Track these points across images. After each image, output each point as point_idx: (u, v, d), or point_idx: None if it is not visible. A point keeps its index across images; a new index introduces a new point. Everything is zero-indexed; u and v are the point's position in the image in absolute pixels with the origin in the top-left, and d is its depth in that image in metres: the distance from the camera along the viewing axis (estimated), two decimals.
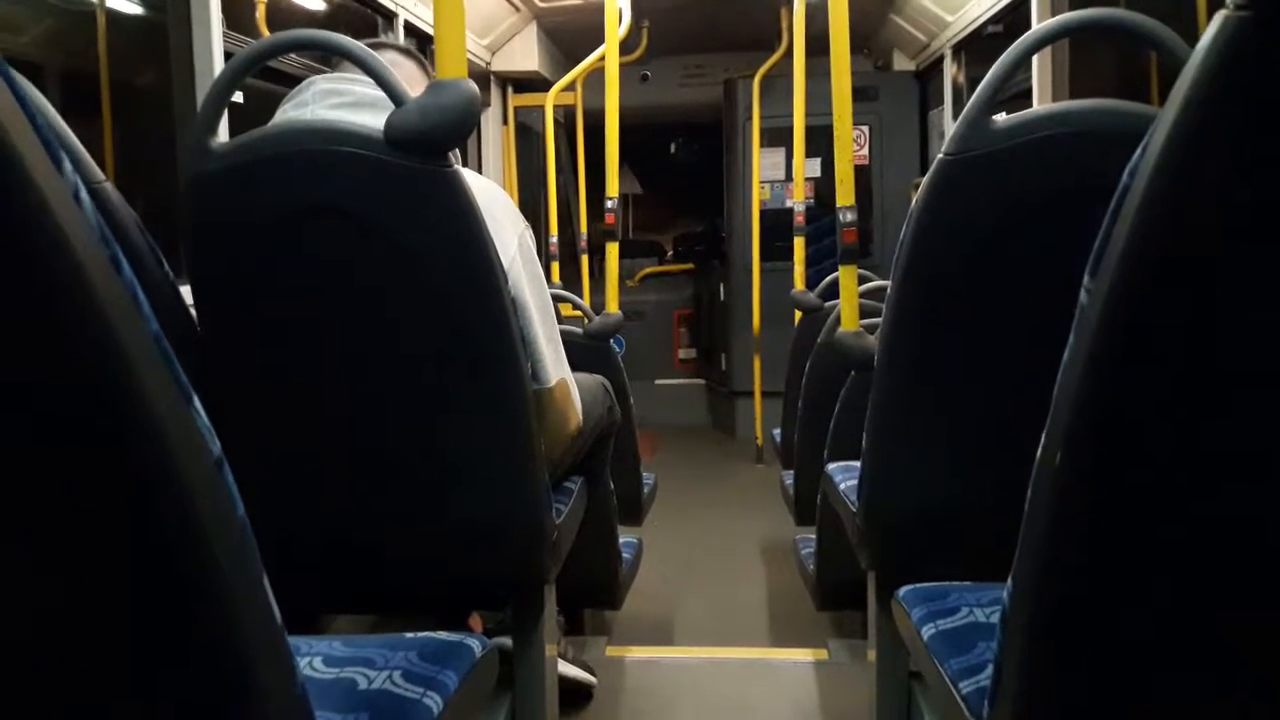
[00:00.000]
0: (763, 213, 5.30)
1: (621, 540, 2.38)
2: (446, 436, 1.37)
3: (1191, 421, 0.62)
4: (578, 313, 2.98)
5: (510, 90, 5.27)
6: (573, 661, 2.14)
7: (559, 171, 5.09)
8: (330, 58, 2.13)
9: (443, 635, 1.12)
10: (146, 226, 1.35)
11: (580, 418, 1.63)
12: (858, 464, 1.57)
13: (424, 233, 1.28)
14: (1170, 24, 1.22)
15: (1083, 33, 1.33)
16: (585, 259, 5.29)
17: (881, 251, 5.31)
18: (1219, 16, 0.52)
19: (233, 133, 1.40)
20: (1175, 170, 0.56)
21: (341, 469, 1.40)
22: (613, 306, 3.08)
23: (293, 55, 2.76)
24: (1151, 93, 2.63)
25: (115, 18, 2.37)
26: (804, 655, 2.42)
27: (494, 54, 5.00)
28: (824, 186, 5.35)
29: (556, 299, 2.11)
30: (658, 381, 6.49)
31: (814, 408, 2.58)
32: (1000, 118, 1.29)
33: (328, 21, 3.48)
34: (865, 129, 5.45)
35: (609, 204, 3.36)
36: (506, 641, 1.53)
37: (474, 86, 1.29)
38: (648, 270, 6.83)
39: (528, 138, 5.64)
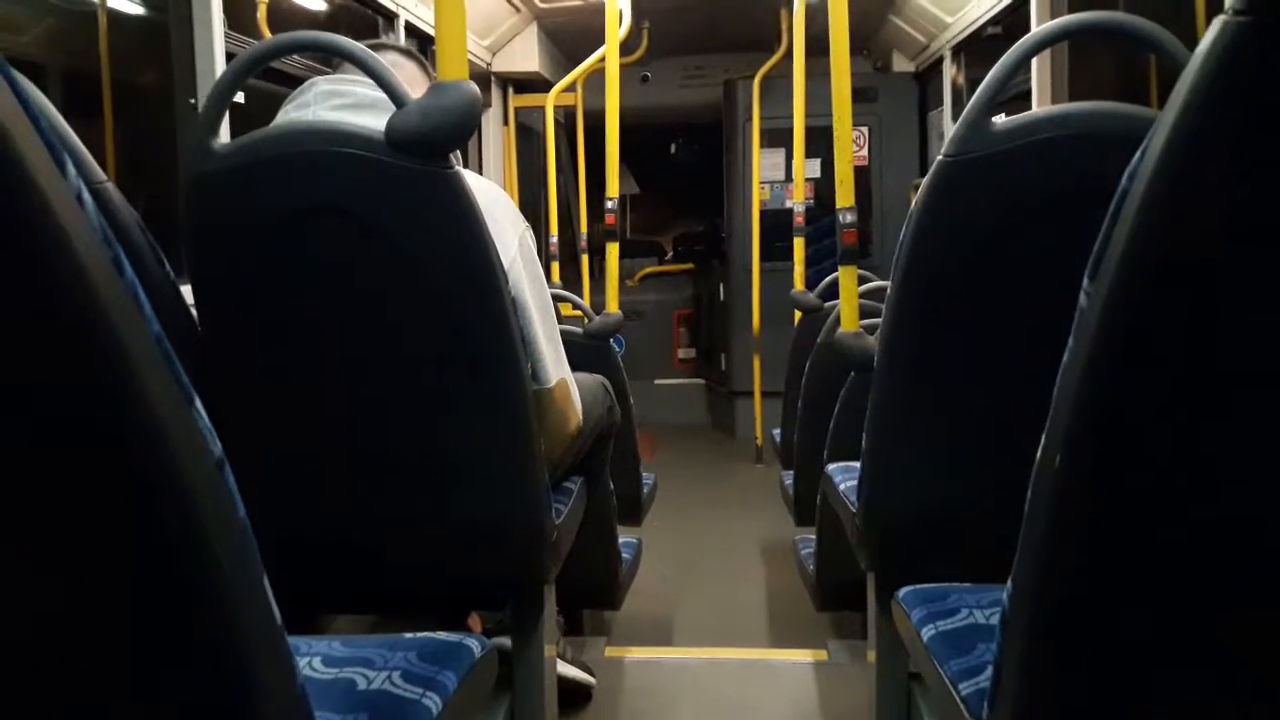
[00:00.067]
0: (762, 213, 5.31)
1: (621, 540, 2.38)
2: (446, 436, 1.37)
3: (1191, 423, 0.62)
4: (578, 313, 2.98)
5: (511, 91, 5.27)
6: (572, 662, 2.15)
7: (559, 172, 5.10)
8: (331, 59, 2.13)
9: (442, 635, 1.12)
10: (147, 226, 1.35)
11: (580, 418, 1.64)
12: (857, 464, 1.58)
13: (425, 234, 1.28)
14: (1169, 27, 1.23)
15: (1082, 35, 1.34)
16: (585, 259, 5.29)
17: (881, 252, 5.31)
18: (1218, 21, 0.52)
19: (234, 133, 1.40)
20: (1174, 173, 0.56)
21: (341, 469, 1.40)
22: (613, 306, 3.08)
23: (294, 56, 2.76)
24: (1151, 96, 2.63)
25: (117, 18, 2.37)
26: (804, 656, 2.42)
27: (495, 55, 5.00)
28: (824, 187, 5.36)
29: (556, 299, 2.11)
30: (657, 381, 6.49)
31: (814, 408, 2.58)
32: (1000, 120, 1.29)
33: (329, 22, 3.48)
34: (865, 130, 5.45)
35: (609, 204, 3.36)
36: (506, 642, 1.53)
37: (475, 88, 1.29)
38: (648, 270, 6.83)
39: (528, 138, 5.64)
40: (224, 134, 1.36)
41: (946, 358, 1.37)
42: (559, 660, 1.94)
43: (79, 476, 0.48)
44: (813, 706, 2.16)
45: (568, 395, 1.58)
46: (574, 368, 1.64)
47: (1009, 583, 0.77)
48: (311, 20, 3.35)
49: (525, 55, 5.06)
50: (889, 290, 1.40)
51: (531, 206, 5.54)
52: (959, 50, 4.44)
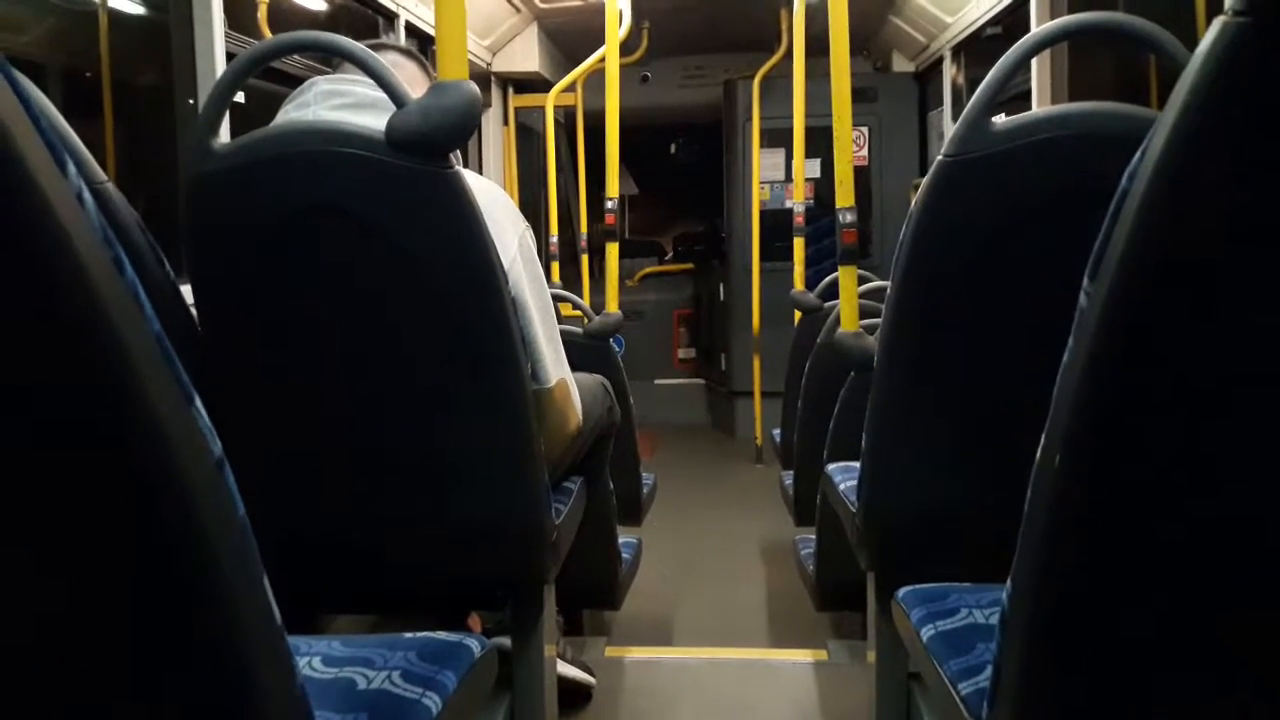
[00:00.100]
0: (762, 213, 5.31)
1: (621, 540, 2.38)
2: (446, 436, 1.37)
3: (1190, 422, 0.62)
4: (578, 313, 2.98)
5: (511, 91, 5.28)
6: (572, 662, 2.15)
7: (559, 172, 5.10)
8: (332, 59, 2.13)
9: (442, 635, 1.12)
10: (147, 226, 1.35)
11: (580, 418, 1.64)
12: (857, 464, 1.58)
13: (425, 233, 1.28)
14: (1169, 28, 1.23)
15: (1082, 36, 1.34)
16: (585, 259, 5.29)
17: (881, 252, 5.31)
18: (1218, 22, 0.52)
19: (234, 133, 1.40)
20: (1174, 173, 0.56)
21: (341, 469, 1.40)
22: (613, 306, 3.08)
23: (294, 56, 2.76)
24: (1150, 96, 2.63)
25: (117, 18, 2.37)
26: (803, 656, 2.42)
27: (495, 55, 5.00)
28: (823, 187, 5.35)
29: (556, 299, 2.11)
30: (657, 381, 6.49)
31: (814, 408, 2.58)
32: (1000, 120, 1.29)
33: (329, 22, 3.48)
34: (865, 130, 5.45)
35: (609, 204, 3.37)
36: (506, 642, 1.53)
37: (475, 88, 1.29)
38: (647, 270, 6.83)
39: (528, 138, 5.64)
40: (224, 134, 1.36)
41: (946, 358, 1.37)
42: (559, 660, 1.94)
43: (79, 476, 0.48)
44: (813, 706, 2.16)
45: (568, 395, 1.58)
46: (574, 368, 1.64)
47: (1008, 582, 0.77)
48: (311, 20, 3.35)
49: (525, 55, 5.06)
50: (889, 290, 1.40)
51: (531, 206, 5.54)
52: (959, 50, 4.44)
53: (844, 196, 2.09)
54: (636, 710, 2.17)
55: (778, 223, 5.25)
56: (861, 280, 2.30)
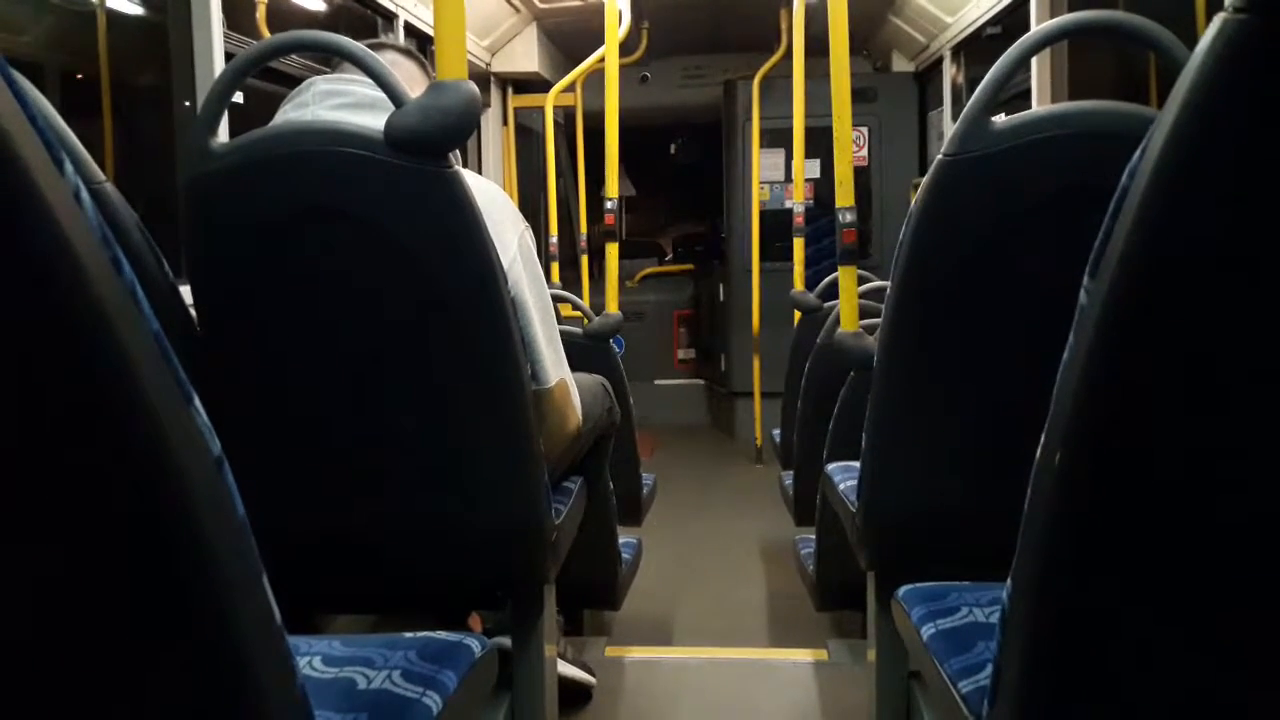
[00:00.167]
0: (762, 213, 5.31)
1: (621, 540, 2.38)
2: (446, 436, 1.37)
3: (1191, 421, 0.62)
4: (577, 313, 2.98)
5: (510, 91, 5.28)
6: (572, 662, 2.14)
7: (559, 172, 5.10)
8: (330, 58, 2.13)
9: (442, 635, 1.12)
10: (146, 227, 1.35)
11: (580, 418, 1.63)
12: (857, 464, 1.58)
13: (424, 233, 1.28)
14: (1169, 26, 1.23)
15: (1082, 34, 1.34)
16: (585, 259, 5.29)
17: (880, 252, 5.31)
18: (1218, 19, 0.52)
19: (233, 133, 1.40)
20: (1174, 171, 0.56)
21: (341, 469, 1.40)
22: (612, 307, 3.08)
23: (293, 56, 2.76)
24: (1150, 94, 2.63)
25: (115, 18, 2.37)
26: (804, 655, 2.42)
27: (494, 55, 5.00)
28: (823, 187, 5.35)
29: (556, 299, 2.11)
30: (657, 382, 6.50)
31: (813, 408, 2.58)
32: (1000, 119, 1.29)
33: (328, 22, 3.48)
34: (864, 130, 5.45)
35: (608, 205, 3.37)
36: (506, 641, 1.53)
37: (474, 87, 1.29)
38: (647, 271, 6.83)
39: (527, 138, 5.64)
40: (223, 134, 1.36)
41: (946, 357, 1.37)
42: (559, 660, 1.94)
43: (77, 476, 0.48)
44: (813, 706, 2.16)
45: (567, 396, 1.58)
46: (574, 368, 1.64)
47: (1009, 581, 0.77)
48: (310, 20, 3.35)
49: (525, 55, 5.06)
50: (888, 290, 1.40)
51: (531, 207, 5.54)
52: (959, 50, 4.44)
53: (844, 196, 2.09)
54: (637, 710, 2.17)
55: (777, 223, 5.25)
56: (861, 280, 2.30)
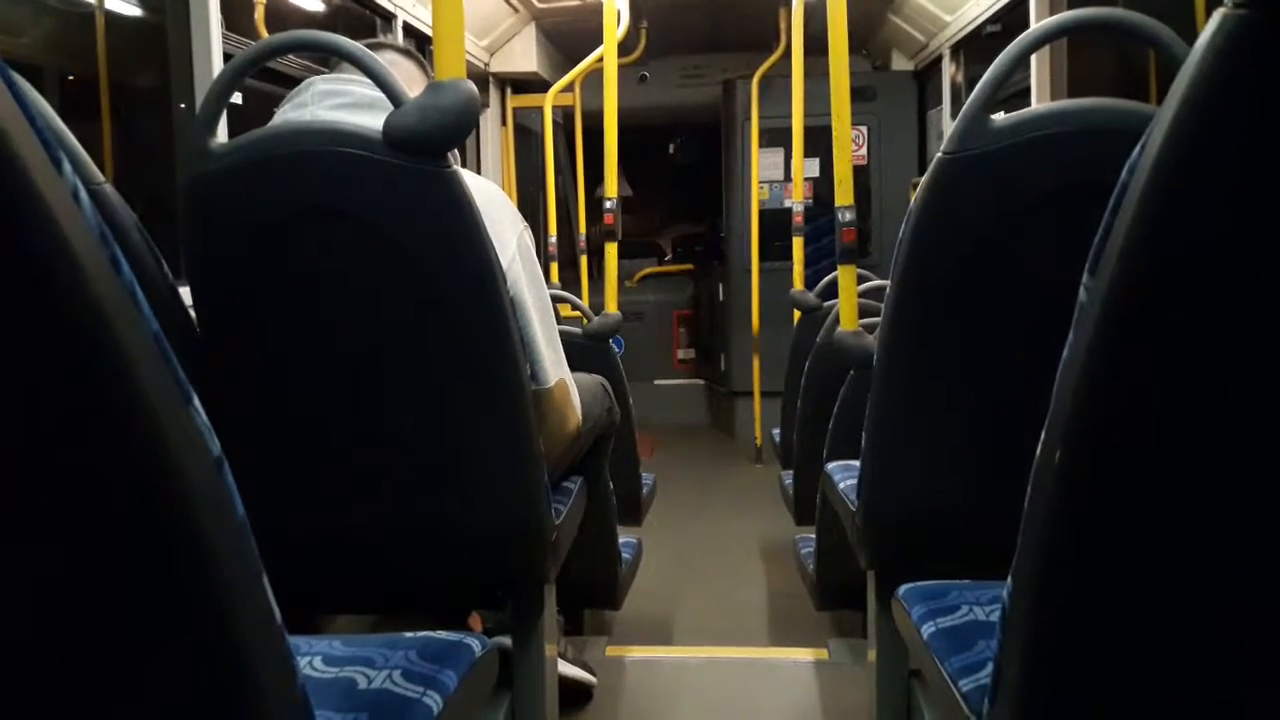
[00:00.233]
0: (762, 213, 5.31)
1: (621, 540, 2.38)
2: (446, 436, 1.37)
3: (1191, 418, 0.62)
4: (577, 313, 2.98)
5: (509, 91, 5.28)
6: (573, 661, 2.14)
7: (558, 172, 5.10)
8: (329, 59, 2.13)
9: (442, 635, 1.12)
10: (145, 228, 1.35)
11: (579, 418, 1.63)
12: (857, 464, 1.57)
13: (423, 233, 1.28)
14: (1168, 23, 1.22)
15: (1081, 32, 1.33)
16: (584, 260, 5.29)
17: (880, 251, 5.31)
18: (1218, 14, 0.52)
19: (232, 134, 1.40)
20: (1174, 167, 0.56)
21: (341, 469, 1.40)
22: (612, 307, 3.08)
23: (291, 56, 2.76)
24: (1150, 91, 2.63)
25: (114, 20, 2.37)
26: (804, 655, 2.42)
27: (493, 55, 5.00)
28: (822, 186, 5.35)
29: (555, 299, 2.11)
30: (657, 381, 6.50)
31: (813, 407, 2.58)
32: (999, 116, 1.29)
33: (326, 23, 3.48)
34: (864, 129, 5.45)
35: (608, 205, 3.36)
36: (506, 641, 1.53)
37: (472, 87, 1.29)
38: (647, 271, 6.83)
39: (526, 138, 5.64)
40: (222, 134, 1.36)
41: (946, 355, 1.37)
42: (560, 660, 1.94)
43: (76, 476, 0.48)
44: (813, 705, 2.16)
45: (567, 396, 1.58)
46: (573, 368, 1.64)
47: (1009, 579, 0.77)
48: (309, 21, 3.35)
49: (523, 55, 5.06)
50: (888, 288, 1.40)
51: (530, 207, 5.54)
52: (958, 49, 4.44)
53: (843, 195, 2.09)
54: (637, 709, 2.17)
55: (777, 222, 5.25)
56: (861, 279, 2.30)
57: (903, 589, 1.29)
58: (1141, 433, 0.64)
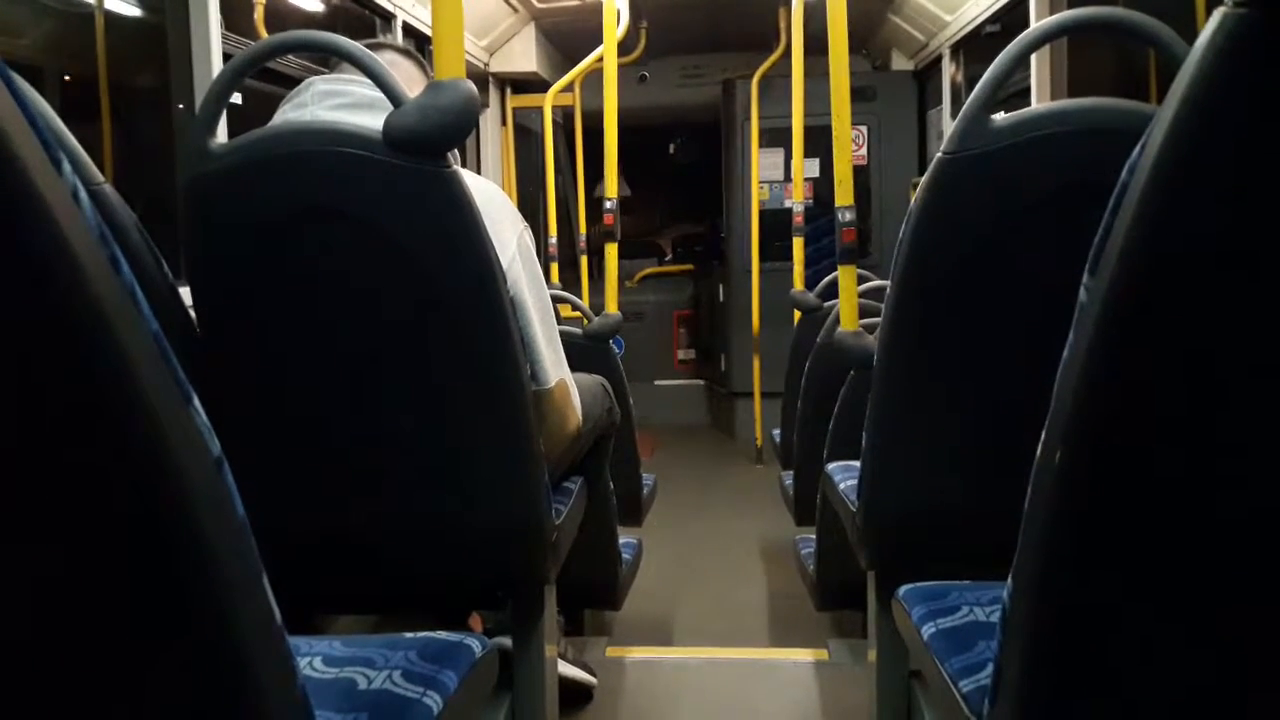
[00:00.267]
0: (762, 213, 5.30)
1: (621, 540, 2.38)
2: (446, 436, 1.37)
3: (1191, 417, 0.62)
4: (577, 313, 2.98)
5: (509, 91, 5.27)
6: (573, 662, 2.14)
7: (558, 172, 5.10)
8: (329, 59, 2.13)
9: (443, 635, 1.12)
10: (146, 229, 1.35)
11: (580, 418, 1.63)
12: (857, 464, 1.57)
13: (423, 233, 1.28)
14: (1168, 22, 1.22)
15: (1081, 31, 1.33)
16: (584, 260, 5.29)
17: (880, 251, 5.31)
18: (1218, 13, 0.52)
19: (232, 134, 1.40)
20: (1174, 166, 0.56)
21: (341, 469, 1.40)
22: (612, 307, 3.08)
23: (291, 56, 2.76)
24: (1150, 90, 2.63)
25: (114, 20, 2.37)
26: (804, 655, 2.42)
27: (492, 55, 5.00)
28: (823, 186, 5.35)
29: (556, 300, 2.11)
30: (657, 382, 6.50)
31: (814, 408, 2.58)
32: (999, 116, 1.29)
33: (326, 23, 3.48)
34: (864, 129, 5.44)
35: (607, 205, 3.36)
36: (506, 641, 1.53)
37: (472, 86, 1.29)
38: (647, 271, 6.83)
39: (526, 138, 5.64)
40: (221, 134, 1.36)
41: (946, 355, 1.37)
42: (560, 660, 1.94)
43: (77, 475, 0.48)
44: (813, 706, 2.16)
45: (567, 396, 1.58)
46: (574, 369, 1.64)
47: (1009, 580, 0.77)
48: (308, 21, 3.35)
49: (523, 55, 5.05)
50: (888, 288, 1.40)
51: (530, 207, 5.54)
52: (958, 48, 4.43)
53: (843, 195, 2.09)
54: (637, 710, 2.17)
55: (777, 222, 5.24)
56: (861, 279, 2.30)
57: (903, 589, 1.29)
58: (1142, 433, 0.64)
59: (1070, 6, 3.12)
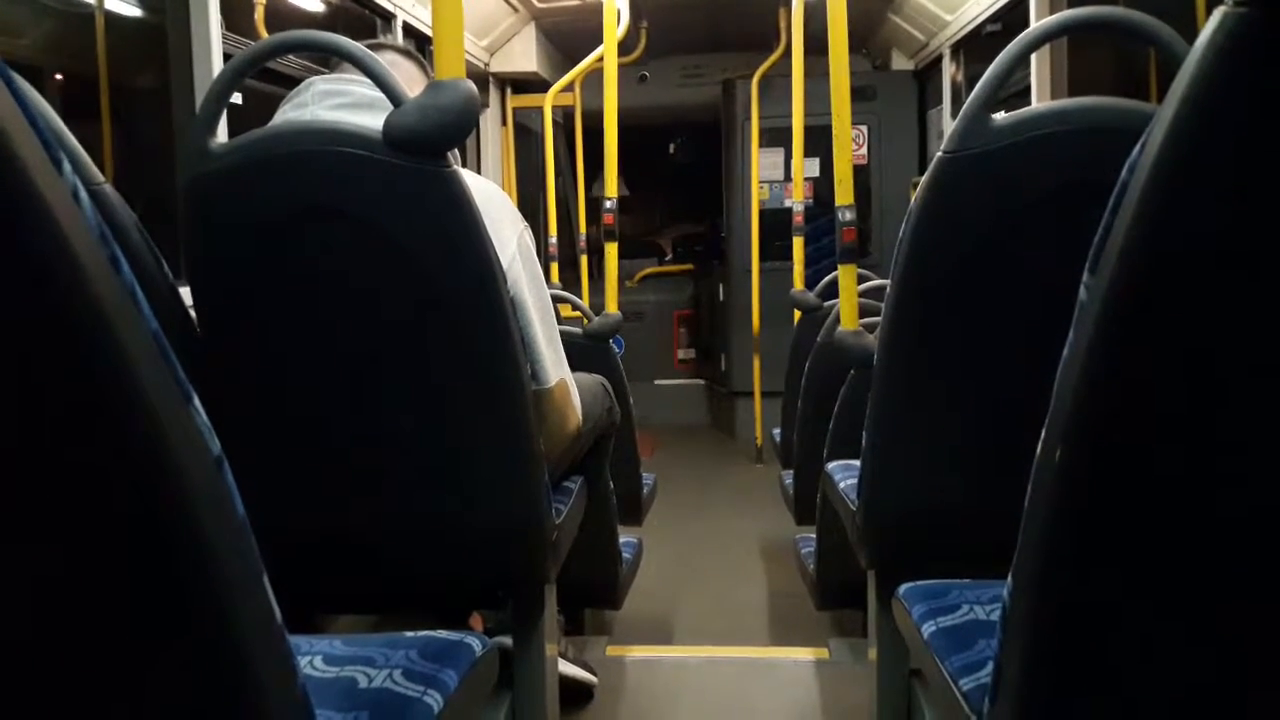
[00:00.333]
0: (762, 213, 5.30)
1: (622, 540, 2.38)
2: (446, 436, 1.37)
3: (1191, 416, 0.62)
4: (577, 313, 2.98)
5: (509, 91, 5.27)
6: (573, 661, 2.14)
7: (558, 172, 5.10)
8: (329, 59, 2.13)
9: (443, 634, 1.12)
10: (146, 229, 1.35)
11: (580, 418, 1.63)
12: (857, 463, 1.57)
13: (423, 233, 1.28)
14: (1168, 21, 1.22)
15: (1081, 30, 1.33)
16: (584, 260, 5.29)
17: (880, 250, 5.31)
18: (1218, 12, 0.52)
19: (232, 134, 1.40)
20: (1174, 165, 0.56)
21: (341, 469, 1.40)
22: (612, 307, 3.08)
23: (291, 56, 2.76)
24: (1150, 90, 2.63)
25: (114, 20, 2.37)
26: (804, 654, 2.42)
27: (492, 55, 5.00)
28: (823, 186, 5.35)
29: (556, 299, 2.11)
30: (657, 381, 6.49)
31: (814, 407, 2.58)
32: (999, 116, 1.29)
33: (326, 23, 3.49)
34: (864, 129, 5.44)
35: (607, 204, 3.37)
36: (507, 641, 1.53)
37: (472, 86, 1.29)
38: (647, 271, 6.83)
39: (526, 138, 5.64)
40: (221, 134, 1.36)
41: (946, 354, 1.37)
42: (560, 659, 1.94)
43: (77, 475, 0.48)
44: (814, 705, 2.16)
45: (567, 396, 1.58)
46: (574, 368, 1.64)
47: (1009, 578, 0.77)
48: (309, 21, 3.35)
49: (523, 55, 5.05)
50: (888, 287, 1.40)
51: (530, 207, 5.54)
52: (958, 48, 4.43)
53: (843, 195, 2.09)
54: (638, 709, 2.17)
55: (777, 222, 5.24)
56: (861, 279, 2.30)
57: (903, 588, 1.29)
58: (1142, 431, 0.64)
59: (1070, 5, 3.12)
